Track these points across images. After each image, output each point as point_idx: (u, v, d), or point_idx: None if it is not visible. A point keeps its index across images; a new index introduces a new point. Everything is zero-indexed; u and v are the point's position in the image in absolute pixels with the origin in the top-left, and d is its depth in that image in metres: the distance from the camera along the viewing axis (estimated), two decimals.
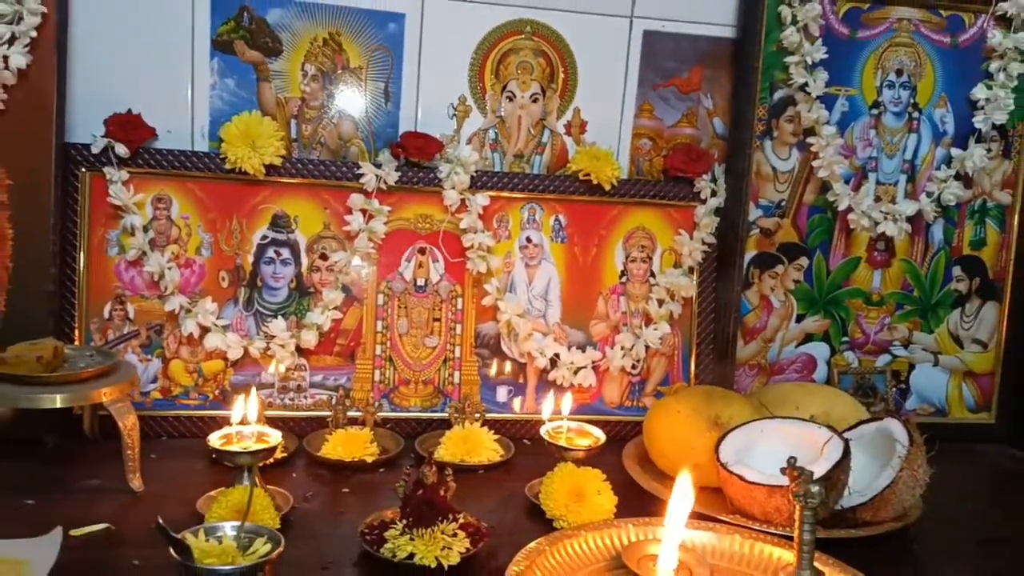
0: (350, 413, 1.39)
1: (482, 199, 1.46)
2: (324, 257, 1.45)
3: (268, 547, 0.85)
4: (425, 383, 1.48)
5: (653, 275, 1.54)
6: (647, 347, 1.52)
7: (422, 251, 1.48)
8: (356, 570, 1.03)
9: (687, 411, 1.29)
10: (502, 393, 1.50)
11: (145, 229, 1.38)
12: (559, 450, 1.22)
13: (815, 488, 0.95)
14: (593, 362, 1.50)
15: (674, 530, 1.03)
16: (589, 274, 1.53)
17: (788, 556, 1.05)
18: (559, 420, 1.27)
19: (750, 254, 1.57)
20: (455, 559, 1.03)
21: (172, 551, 0.80)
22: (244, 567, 0.81)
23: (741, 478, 1.16)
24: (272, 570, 0.84)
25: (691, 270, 1.54)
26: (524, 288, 1.50)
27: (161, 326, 1.41)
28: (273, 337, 1.41)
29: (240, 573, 0.81)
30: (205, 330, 1.39)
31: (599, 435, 1.25)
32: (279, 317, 1.43)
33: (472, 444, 1.35)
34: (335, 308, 1.43)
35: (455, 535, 1.05)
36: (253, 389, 1.20)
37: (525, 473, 1.30)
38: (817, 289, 1.59)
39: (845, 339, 1.61)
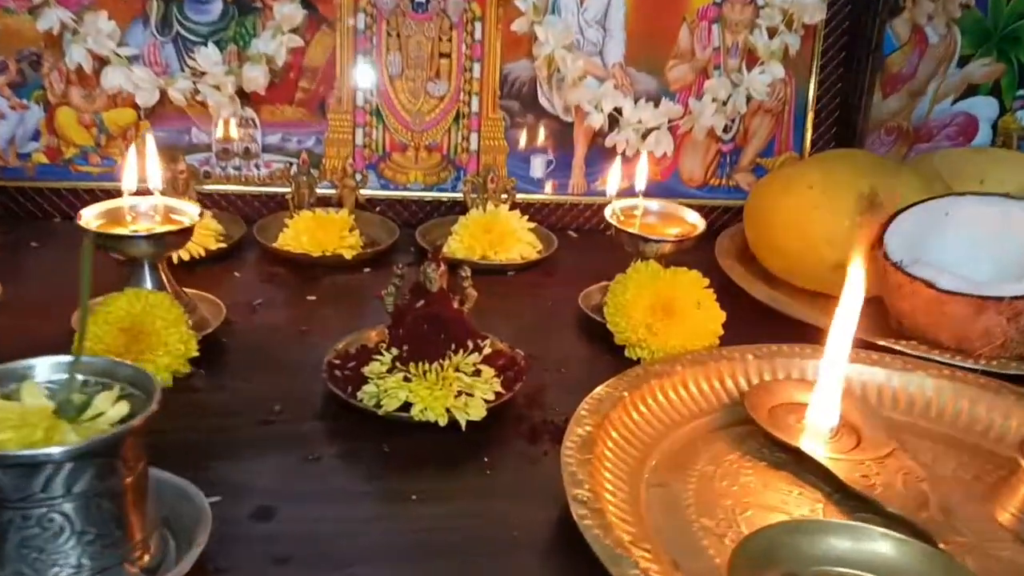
0: (320, 189, 0.96)
1: None
2: None
3: (123, 408, 0.44)
4: (429, 149, 1.03)
5: None
6: (748, 99, 1.05)
7: None
8: (321, 424, 0.64)
9: (824, 184, 0.85)
10: (538, 166, 1.06)
11: None
12: (636, 242, 0.79)
13: None
14: (670, 121, 1.05)
15: (837, 365, 0.63)
16: None
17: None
18: (629, 200, 0.84)
19: None
20: (479, 412, 0.63)
21: None
22: (64, 452, 0.40)
23: (930, 285, 0.74)
24: (136, 444, 0.43)
25: None
26: (573, 9, 1.02)
27: (38, 56, 0.95)
28: (203, 75, 0.95)
29: (55, 462, 0.40)
30: (102, 62, 0.93)
31: (695, 220, 0.82)
32: (210, 45, 0.96)
33: (497, 235, 0.92)
34: (292, 31, 0.96)
35: (477, 372, 0.64)
36: (147, 134, 0.76)
37: (574, 277, 0.89)
38: (992, 18, 1.11)
39: (1021, 93, 1.14)
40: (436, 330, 0.65)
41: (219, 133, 0.98)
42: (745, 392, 0.67)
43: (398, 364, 0.64)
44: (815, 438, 0.62)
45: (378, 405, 0.62)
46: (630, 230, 0.79)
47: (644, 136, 1.04)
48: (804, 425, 0.63)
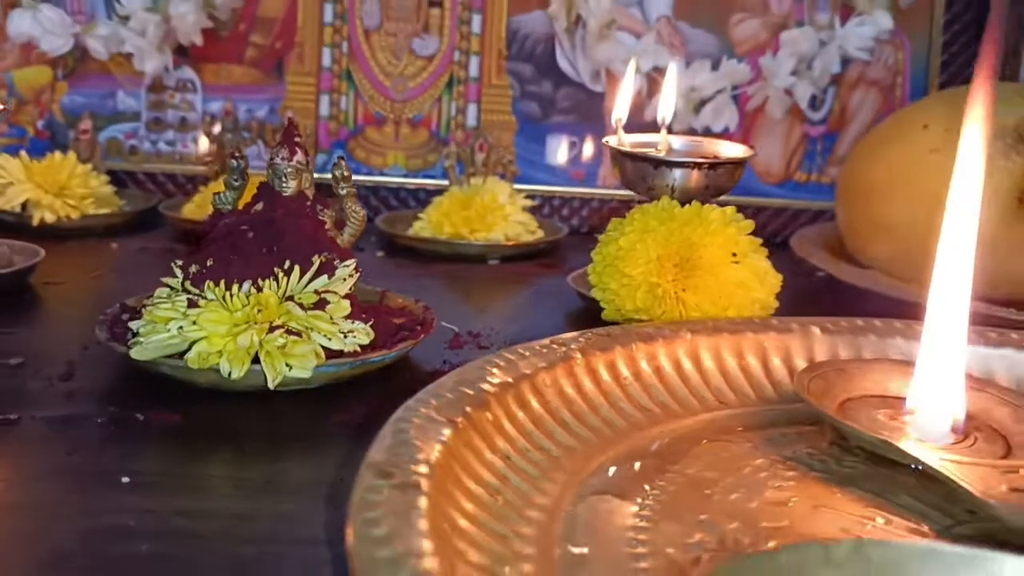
0: (256, 167, 0.74)
1: None
2: None
3: None
4: (413, 124, 0.80)
5: None
6: (844, 61, 0.78)
7: None
8: (63, 386, 0.39)
9: (948, 120, 0.56)
10: (557, 149, 0.80)
11: None
12: (642, 171, 0.52)
13: None
14: (734, 87, 0.79)
15: (956, 324, 0.33)
16: None
17: None
18: (645, 136, 0.57)
19: None
20: (303, 363, 0.36)
21: None
22: None
23: None
24: None
25: None
26: None
27: None
28: (126, 19, 0.76)
29: None
30: (7, 5, 0.77)
31: (739, 152, 0.54)
32: None
33: (478, 210, 0.67)
34: None
35: (318, 302, 0.38)
36: None
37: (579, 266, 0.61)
38: None
39: None
40: (261, 240, 0.39)
41: (148, 98, 0.78)
42: (800, 372, 0.37)
43: (189, 286, 0.38)
44: (927, 441, 0.32)
45: (134, 335, 0.37)
46: (634, 151, 0.52)
47: (697, 109, 0.78)
48: (906, 423, 0.34)
